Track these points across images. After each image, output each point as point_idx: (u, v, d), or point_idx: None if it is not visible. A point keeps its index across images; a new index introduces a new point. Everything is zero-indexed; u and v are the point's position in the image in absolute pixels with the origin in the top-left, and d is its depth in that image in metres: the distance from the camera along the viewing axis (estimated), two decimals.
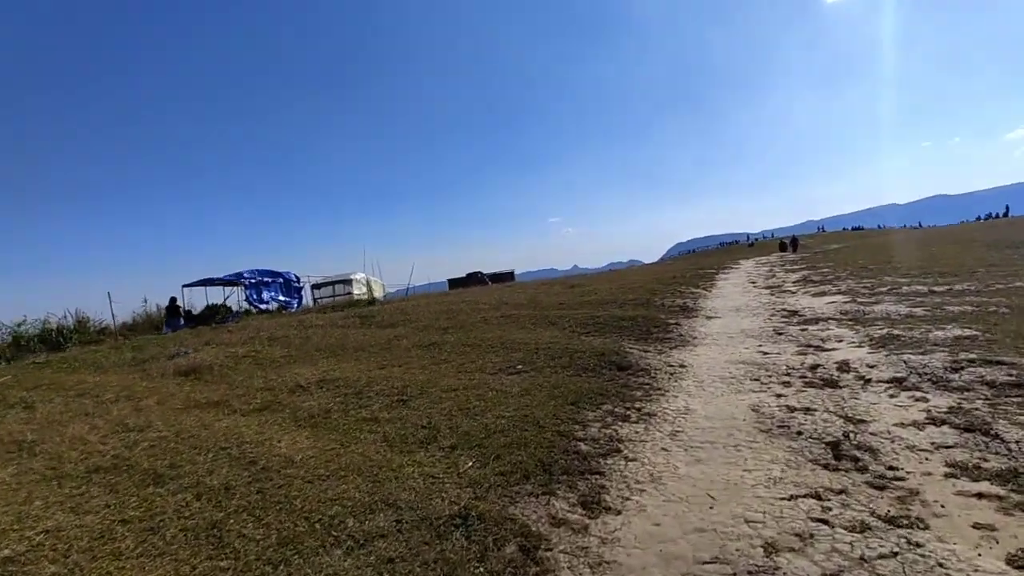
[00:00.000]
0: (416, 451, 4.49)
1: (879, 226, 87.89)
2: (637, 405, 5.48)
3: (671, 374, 6.66)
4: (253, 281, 20.33)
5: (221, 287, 21.26)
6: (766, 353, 7.33)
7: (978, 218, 57.28)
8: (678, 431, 4.80)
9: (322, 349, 9.00)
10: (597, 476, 3.94)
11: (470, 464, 4.16)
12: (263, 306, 20.09)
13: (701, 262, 35.45)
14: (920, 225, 72.77)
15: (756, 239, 78.75)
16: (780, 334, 8.52)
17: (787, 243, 42.95)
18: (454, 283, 36.68)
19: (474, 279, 34.31)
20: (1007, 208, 58.02)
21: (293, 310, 20.85)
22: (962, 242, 26.21)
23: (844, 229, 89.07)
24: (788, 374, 6.26)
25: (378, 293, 27.19)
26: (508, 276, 41.17)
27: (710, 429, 4.78)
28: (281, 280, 21.86)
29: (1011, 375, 5.18)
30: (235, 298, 21.27)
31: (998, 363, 5.54)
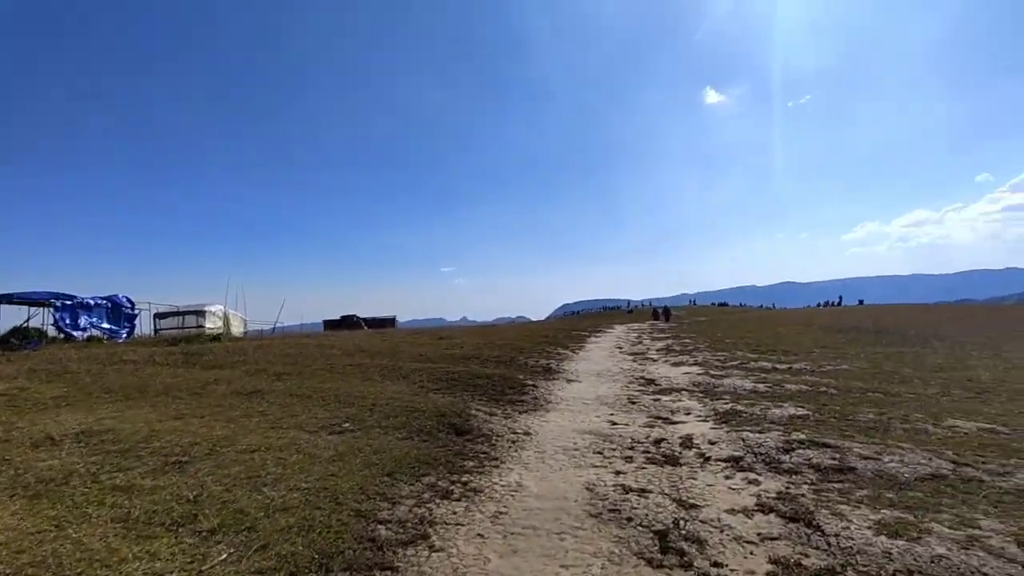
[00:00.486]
0: (160, 536, 3.45)
1: (740, 304, 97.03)
2: (464, 478, 4.81)
3: (513, 442, 6.09)
4: (68, 303, 17.09)
5: (26, 307, 17.74)
6: (615, 424, 7.02)
7: (818, 304, 65.14)
8: (502, 512, 4.18)
9: (113, 391, 7.39)
10: (387, 573, 3.18)
11: (223, 557, 3.21)
12: (77, 333, 16.87)
13: (578, 324, 36.40)
14: (773, 306, 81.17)
15: (636, 306, 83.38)
16: (633, 403, 8.35)
17: (660, 312, 45.54)
18: (329, 325, 34.48)
19: (347, 322, 32.37)
20: (840, 298, 66.63)
21: (120, 340, 17.87)
22: (804, 324, 29.09)
23: (712, 304, 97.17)
24: (632, 448, 5.94)
25: (237, 329, 24.61)
26: (389, 322, 39.46)
27: (538, 511, 4.21)
28: (107, 305, 18.64)
29: (834, 459, 5.20)
30: (41, 320, 17.82)
31: (824, 445, 5.59)
